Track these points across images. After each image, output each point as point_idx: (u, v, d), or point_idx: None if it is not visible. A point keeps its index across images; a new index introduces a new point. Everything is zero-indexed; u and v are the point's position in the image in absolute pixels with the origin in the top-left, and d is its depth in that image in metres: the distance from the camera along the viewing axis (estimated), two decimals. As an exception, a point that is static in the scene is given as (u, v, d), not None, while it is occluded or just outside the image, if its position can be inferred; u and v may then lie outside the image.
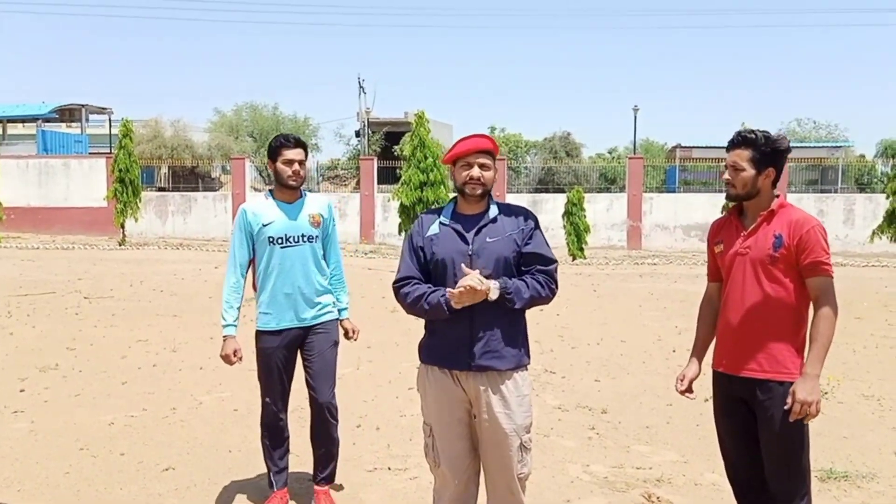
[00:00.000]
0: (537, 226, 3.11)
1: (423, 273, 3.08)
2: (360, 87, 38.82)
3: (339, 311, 4.14)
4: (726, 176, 3.04)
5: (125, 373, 7.00)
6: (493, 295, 2.90)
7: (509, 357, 3.00)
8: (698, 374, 3.22)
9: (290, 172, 3.85)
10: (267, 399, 4.00)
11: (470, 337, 2.97)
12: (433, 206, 19.49)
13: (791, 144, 3.13)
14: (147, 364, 7.36)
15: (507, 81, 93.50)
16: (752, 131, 2.96)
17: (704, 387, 3.39)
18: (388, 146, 35.91)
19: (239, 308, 3.93)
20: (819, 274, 2.87)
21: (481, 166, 3.03)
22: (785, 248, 2.89)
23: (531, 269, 3.03)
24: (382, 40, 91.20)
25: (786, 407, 2.84)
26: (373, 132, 37.93)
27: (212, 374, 6.98)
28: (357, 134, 39.54)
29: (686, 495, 4.29)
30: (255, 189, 29.49)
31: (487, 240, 3.02)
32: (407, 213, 20.24)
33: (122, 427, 5.43)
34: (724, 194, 22.02)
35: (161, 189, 32.23)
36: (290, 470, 4.18)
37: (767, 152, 2.94)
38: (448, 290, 2.91)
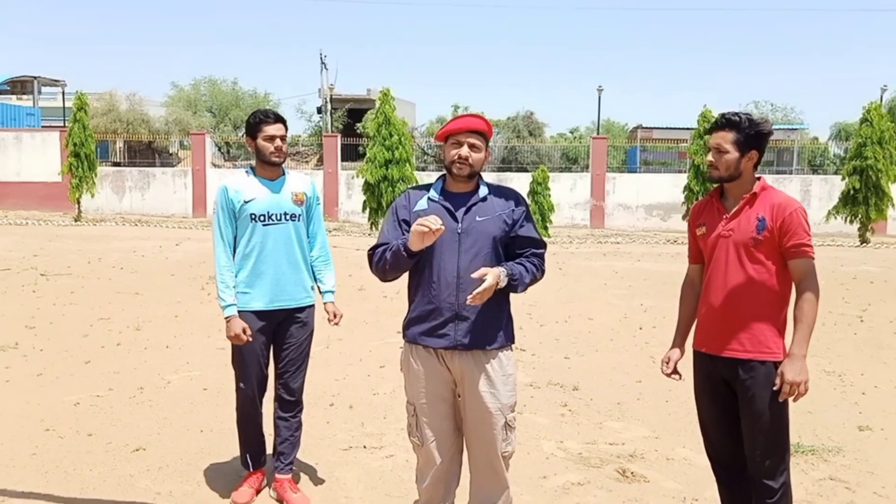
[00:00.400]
0: (528, 210, 3.12)
1: None
2: (322, 63, 38.24)
3: (325, 293, 4.06)
4: (709, 158, 3.05)
5: (88, 352, 6.85)
6: (503, 283, 2.90)
7: (495, 336, 3.01)
8: (682, 355, 3.27)
9: (272, 149, 3.76)
10: (242, 385, 3.86)
11: (456, 316, 2.96)
12: (398, 184, 19.44)
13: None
14: (110, 343, 7.21)
15: (470, 60, 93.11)
16: (737, 114, 2.98)
17: (683, 367, 3.43)
18: (351, 123, 35.54)
19: (235, 287, 3.78)
20: (801, 256, 2.91)
21: (471, 146, 3.00)
22: (768, 231, 2.92)
23: (525, 251, 3.05)
24: (344, 16, 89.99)
25: (774, 388, 2.91)
26: (335, 109, 37.47)
27: (178, 352, 6.86)
28: (319, 110, 39.01)
29: (659, 470, 4.37)
30: (215, 165, 28.97)
31: (477, 219, 3.01)
32: (371, 190, 20.11)
33: (89, 407, 5.32)
34: (684, 174, 22.48)
35: (116, 164, 31.44)
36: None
37: (751, 135, 2.97)
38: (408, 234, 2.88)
